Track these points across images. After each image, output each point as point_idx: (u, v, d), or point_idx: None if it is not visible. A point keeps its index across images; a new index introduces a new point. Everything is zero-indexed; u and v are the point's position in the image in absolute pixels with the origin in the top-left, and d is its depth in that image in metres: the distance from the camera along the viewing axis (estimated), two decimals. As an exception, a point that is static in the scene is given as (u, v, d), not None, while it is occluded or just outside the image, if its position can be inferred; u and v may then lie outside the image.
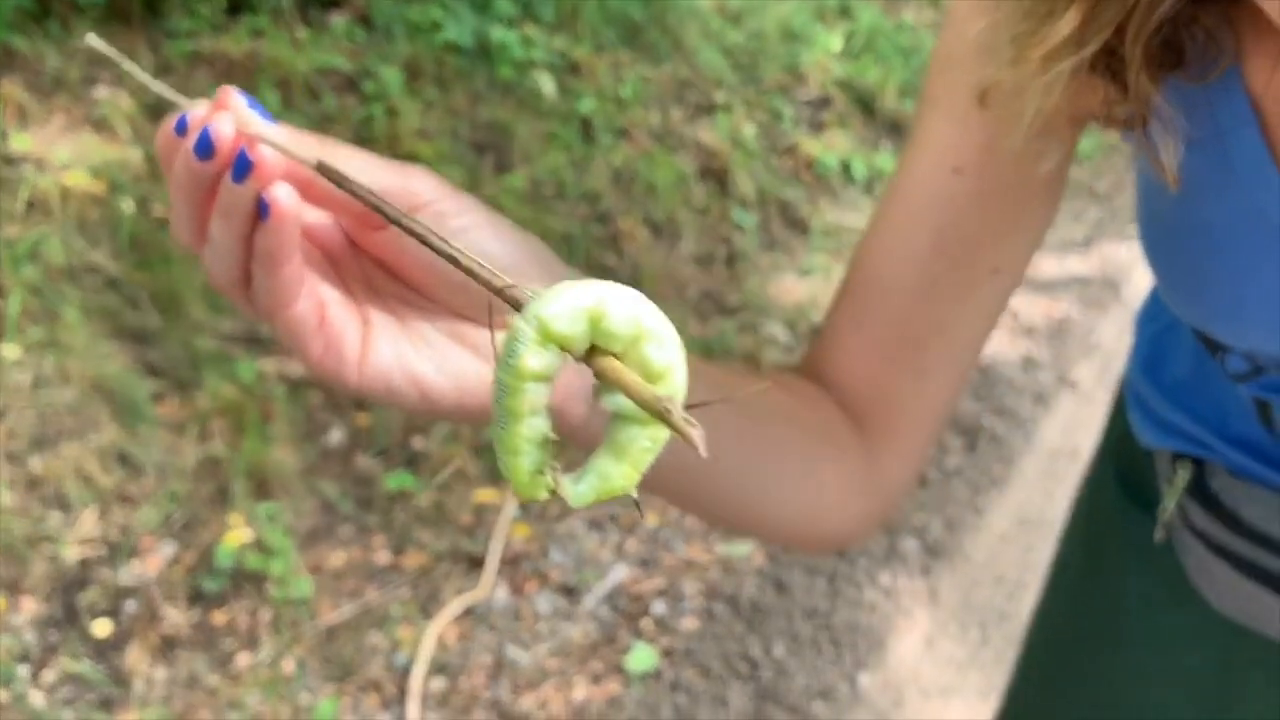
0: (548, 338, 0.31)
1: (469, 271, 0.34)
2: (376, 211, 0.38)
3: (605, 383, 0.31)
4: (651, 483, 0.59)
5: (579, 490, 0.33)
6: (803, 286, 2.71)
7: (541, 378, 0.32)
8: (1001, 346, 2.68)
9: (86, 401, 1.96)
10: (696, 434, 0.28)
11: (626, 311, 0.31)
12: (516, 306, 0.32)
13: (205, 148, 0.43)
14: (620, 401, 0.31)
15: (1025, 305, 2.85)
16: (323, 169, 0.41)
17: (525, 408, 0.32)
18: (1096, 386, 2.57)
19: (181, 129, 0.44)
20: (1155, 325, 0.76)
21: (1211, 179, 0.53)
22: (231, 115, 0.43)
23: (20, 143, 2.22)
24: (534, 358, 0.31)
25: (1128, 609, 0.78)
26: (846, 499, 0.62)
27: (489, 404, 0.54)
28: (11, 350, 1.97)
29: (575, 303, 0.31)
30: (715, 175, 2.91)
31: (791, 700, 1.80)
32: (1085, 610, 0.82)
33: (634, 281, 2.60)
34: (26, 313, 2.01)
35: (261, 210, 0.43)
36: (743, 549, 2.05)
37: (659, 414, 0.28)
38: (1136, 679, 0.78)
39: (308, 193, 0.45)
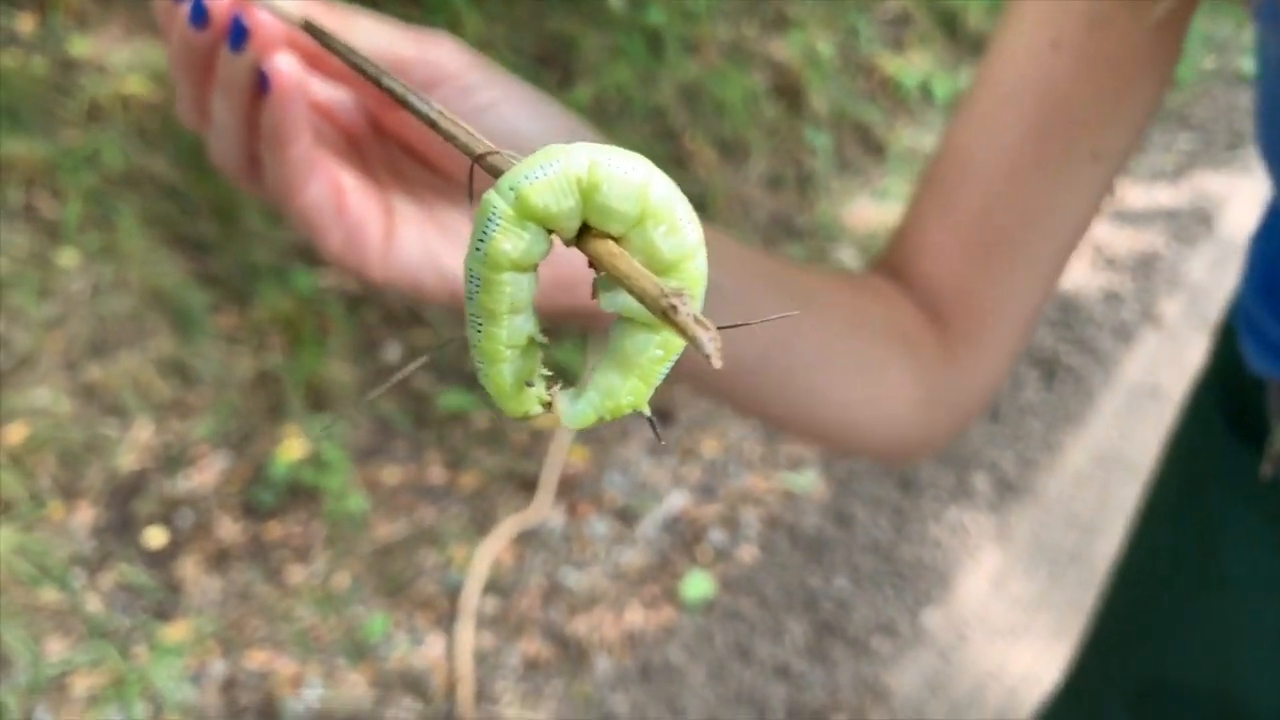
0: (526, 215, 0.24)
1: (447, 135, 0.28)
2: (357, 71, 0.33)
3: (603, 273, 0.25)
4: (685, 379, 0.54)
5: (577, 409, 0.26)
6: (877, 211, 2.61)
7: (521, 266, 0.25)
8: (1083, 278, 2.56)
9: (144, 310, 1.95)
10: (708, 338, 0.21)
11: (628, 182, 0.24)
12: (497, 176, 0.26)
13: (199, 14, 0.40)
14: (623, 300, 0.25)
15: (1109, 236, 2.72)
16: (309, 28, 0.36)
17: (503, 305, 0.26)
18: (1182, 323, 2.45)
19: None
20: (1274, 243, 0.68)
21: None
22: None
23: (79, 47, 2.20)
24: (510, 241, 0.25)
25: (1227, 550, 0.71)
26: (918, 406, 0.57)
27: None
28: (70, 256, 1.96)
29: (562, 169, 0.24)
30: (788, 93, 2.81)
31: (851, 633, 1.76)
32: (1179, 552, 0.75)
33: (701, 202, 2.51)
34: (85, 219, 2.00)
35: (263, 83, 0.39)
36: (804, 479, 1.99)
37: (661, 312, 0.22)
38: (1230, 630, 0.71)
39: (324, 66, 0.42)
